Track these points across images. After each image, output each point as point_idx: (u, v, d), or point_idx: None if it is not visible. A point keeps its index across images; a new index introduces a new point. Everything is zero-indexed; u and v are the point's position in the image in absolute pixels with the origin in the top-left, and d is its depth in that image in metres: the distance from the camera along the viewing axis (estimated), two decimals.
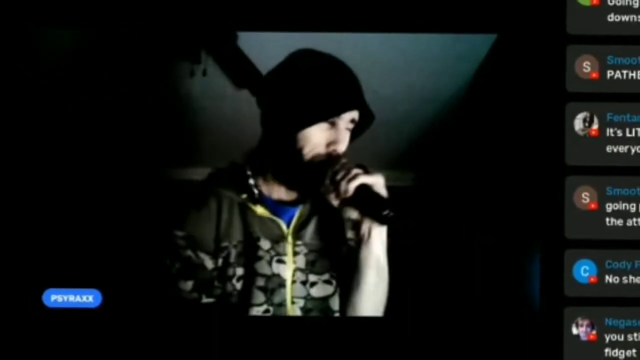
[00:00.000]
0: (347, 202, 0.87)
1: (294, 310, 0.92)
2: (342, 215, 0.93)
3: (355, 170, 0.88)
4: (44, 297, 1.10)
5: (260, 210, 0.93)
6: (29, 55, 1.82)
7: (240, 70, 2.12)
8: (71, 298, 1.11)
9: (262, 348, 0.95)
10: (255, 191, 0.93)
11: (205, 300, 0.90)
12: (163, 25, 1.11)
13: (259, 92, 1.05)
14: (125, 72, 2.22)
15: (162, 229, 0.96)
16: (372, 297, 0.91)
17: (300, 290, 0.93)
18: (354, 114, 0.96)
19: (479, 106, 2.10)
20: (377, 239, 0.91)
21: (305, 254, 0.94)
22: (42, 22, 1.10)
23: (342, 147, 0.92)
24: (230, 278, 0.89)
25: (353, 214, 0.91)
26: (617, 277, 1.03)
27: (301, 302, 0.93)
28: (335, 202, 0.89)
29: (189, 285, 0.90)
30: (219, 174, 0.99)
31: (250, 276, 0.89)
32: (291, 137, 0.90)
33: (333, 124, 0.92)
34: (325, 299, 0.95)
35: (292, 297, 0.92)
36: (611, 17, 1.05)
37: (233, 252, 0.90)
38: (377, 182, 0.89)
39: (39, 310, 1.08)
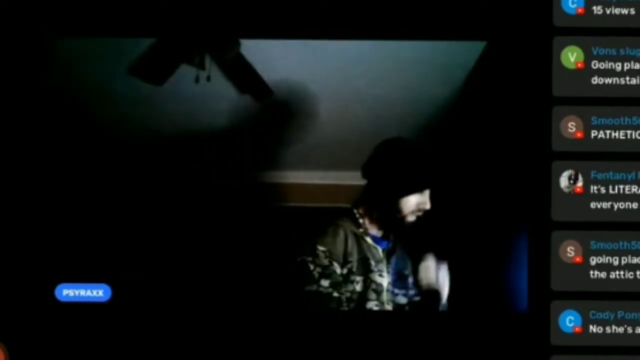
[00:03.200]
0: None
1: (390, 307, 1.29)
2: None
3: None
4: (56, 292, 1.14)
5: (369, 240, 1.32)
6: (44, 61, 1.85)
7: (243, 76, 2.15)
8: (82, 292, 1.15)
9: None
10: (365, 228, 1.33)
11: (335, 294, 1.22)
12: (170, 32, 1.15)
13: (366, 170, 1.39)
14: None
15: (306, 245, 1.26)
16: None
17: (391, 296, 1.30)
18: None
19: (470, 114, 2.13)
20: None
21: (394, 273, 1.33)
22: (55, 32, 1.14)
23: (428, 205, 1.31)
24: (352, 282, 1.24)
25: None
26: (601, 327, 1.06)
27: (391, 305, 1.30)
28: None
29: (326, 283, 1.22)
30: (340, 212, 1.37)
31: (366, 282, 1.26)
32: (396, 201, 1.30)
33: (422, 192, 1.31)
34: (402, 305, 1.31)
35: (387, 300, 1.29)
36: (595, 80, 1.08)
37: (355, 265, 1.26)
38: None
39: (52, 303, 1.13)
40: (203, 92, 2.38)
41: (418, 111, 2.54)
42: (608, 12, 1.09)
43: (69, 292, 1.15)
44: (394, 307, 1.29)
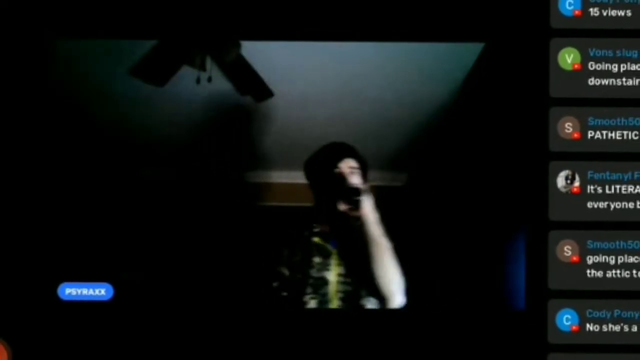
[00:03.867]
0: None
1: (336, 297, 1.34)
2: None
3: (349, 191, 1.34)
4: (59, 291, 1.15)
5: (316, 239, 1.39)
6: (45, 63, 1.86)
7: (244, 77, 2.16)
8: (84, 291, 1.16)
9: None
10: (315, 229, 1.41)
11: (284, 293, 1.31)
12: (171, 34, 1.16)
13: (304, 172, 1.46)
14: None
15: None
16: (380, 246, 1.29)
17: (341, 286, 1.34)
18: (349, 162, 1.38)
19: (468, 114, 2.13)
20: (371, 222, 1.29)
21: (343, 264, 1.37)
22: (56, 33, 1.14)
23: (351, 181, 1.34)
24: (295, 280, 1.33)
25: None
26: (598, 326, 1.07)
27: (341, 295, 1.34)
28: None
29: (276, 283, 1.34)
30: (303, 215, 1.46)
31: (305, 279, 1.33)
32: (317, 190, 1.42)
33: (340, 173, 1.35)
34: (357, 290, 1.34)
35: (336, 291, 1.34)
36: (592, 81, 1.08)
37: (297, 266, 1.33)
38: (362, 187, 1.33)
39: (54, 302, 1.13)
40: (204, 93, 2.39)
41: (417, 112, 2.55)
42: (604, 13, 1.09)
43: (71, 291, 1.15)
44: (343, 297, 1.33)
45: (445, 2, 1.12)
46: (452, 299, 1.19)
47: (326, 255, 1.38)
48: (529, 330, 1.08)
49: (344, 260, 1.37)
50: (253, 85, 2.20)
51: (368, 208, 1.28)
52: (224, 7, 1.12)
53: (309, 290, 1.33)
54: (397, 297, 1.27)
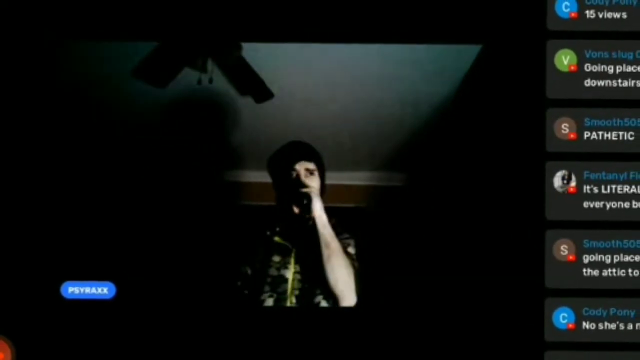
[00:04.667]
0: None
1: (292, 295, 1.35)
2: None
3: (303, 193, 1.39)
4: (62, 289, 1.15)
5: (276, 238, 1.42)
6: (49, 65, 1.87)
7: (244, 78, 2.16)
8: (87, 290, 1.16)
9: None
10: (276, 227, 1.44)
11: (245, 292, 1.34)
12: (173, 36, 1.17)
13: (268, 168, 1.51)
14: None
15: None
16: (329, 246, 1.33)
17: (297, 284, 1.36)
18: (306, 163, 1.44)
19: (466, 115, 2.14)
20: (322, 224, 1.34)
21: (300, 264, 1.39)
22: (60, 35, 1.15)
23: (307, 182, 1.40)
24: (255, 279, 1.36)
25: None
26: (594, 324, 1.07)
27: (297, 292, 1.35)
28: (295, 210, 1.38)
29: (239, 282, 1.37)
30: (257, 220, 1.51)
31: (263, 278, 1.35)
32: (280, 191, 1.45)
33: (297, 175, 1.42)
34: (312, 288, 1.35)
35: (292, 289, 1.35)
36: (588, 82, 1.09)
37: (258, 265, 1.36)
38: (312, 190, 1.39)
39: (57, 301, 1.14)
40: (205, 94, 2.40)
41: (415, 113, 2.56)
42: (600, 16, 1.10)
43: (74, 290, 1.16)
44: (299, 295, 1.34)
45: (444, 5, 1.13)
46: (449, 297, 1.20)
47: (285, 254, 1.40)
48: (526, 328, 1.09)
49: (300, 259, 1.39)
50: (253, 86, 2.21)
51: (318, 211, 1.34)
52: (225, 10, 1.13)
53: (266, 288, 1.34)
54: (348, 297, 1.30)
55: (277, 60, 2.18)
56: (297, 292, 1.35)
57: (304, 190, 1.36)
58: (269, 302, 1.32)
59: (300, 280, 1.37)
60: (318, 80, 2.33)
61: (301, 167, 1.43)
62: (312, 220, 1.34)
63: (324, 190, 1.46)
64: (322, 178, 1.47)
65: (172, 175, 3.26)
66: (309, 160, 1.45)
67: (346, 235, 1.44)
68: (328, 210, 1.37)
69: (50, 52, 1.83)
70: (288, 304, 1.32)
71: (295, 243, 1.41)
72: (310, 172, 1.43)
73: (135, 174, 3.16)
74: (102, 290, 1.17)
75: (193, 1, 1.14)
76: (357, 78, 2.30)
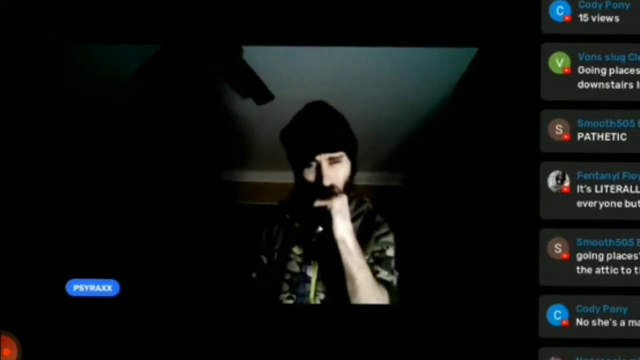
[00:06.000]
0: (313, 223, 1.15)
1: (315, 300, 1.15)
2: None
3: (320, 198, 1.10)
4: (67, 287, 1.16)
5: (297, 225, 1.19)
6: (51, 65, 1.87)
7: (245, 81, 2.18)
8: (92, 287, 1.17)
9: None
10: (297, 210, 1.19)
11: (262, 285, 1.14)
12: (176, 40, 1.18)
13: (281, 139, 1.22)
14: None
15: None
16: (355, 281, 1.08)
17: (322, 285, 1.16)
18: (330, 154, 1.14)
19: (462, 116, 2.15)
20: (343, 250, 1.09)
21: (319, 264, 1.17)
22: (62, 37, 1.16)
23: (326, 181, 1.12)
24: (273, 272, 1.17)
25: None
26: (587, 321, 1.08)
27: (321, 295, 1.15)
28: (319, 230, 1.13)
29: (254, 274, 1.17)
30: (277, 207, 1.26)
31: (281, 272, 1.16)
32: (299, 178, 1.16)
33: (318, 165, 1.13)
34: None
35: (316, 291, 1.15)
36: (581, 84, 1.10)
37: (276, 254, 1.16)
38: (329, 204, 1.09)
39: (63, 298, 1.15)
40: (206, 95, 2.41)
41: (413, 114, 2.57)
42: (594, 19, 1.11)
43: (79, 287, 1.17)
44: (324, 299, 1.13)
45: (440, 8, 1.14)
46: (445, 295, 1.20)
47: (308, 245, 1.16)
48: (520, 325, 1.10)
49: (321, 261, 1.15)
50: (254, 88, 2.23)
51: (340, 232, 1.07)
52: (227, 14, 1.14)
53: (285, 287, 1.13)
54: None
55: (277, 63, 2.20)
56: (321, 295, 1.13)
57: (319, 204, 1.08)
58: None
59: (325, 280, 1.14)
60: (317, 82, 2.34)
61: (323, 157, 1.12)
62: (335, 243, 1.08)
63: (352, 180, 1.16)
64: (353, 162, 1.17)
65: (175, 175, 3.28)
66: (333, 151, 1.13)
67: (384, 230, 1.20)
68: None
69: (52, 54, 1.85)
70: None
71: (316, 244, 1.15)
72: (335, 160, 1.13)
73: (139, 173, 3.17)
74: (106, 287, 1.17)
75: (195, 5, 1.15)
76: (356, 80, 2.32)
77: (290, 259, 1.15)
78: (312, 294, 1.14)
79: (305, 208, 1.12)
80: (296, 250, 1.16)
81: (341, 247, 1.08)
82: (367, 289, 1.08)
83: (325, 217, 1.08)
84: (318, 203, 1.08)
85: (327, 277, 1.14)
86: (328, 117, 1.19)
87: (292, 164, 1.19)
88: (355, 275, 1.07)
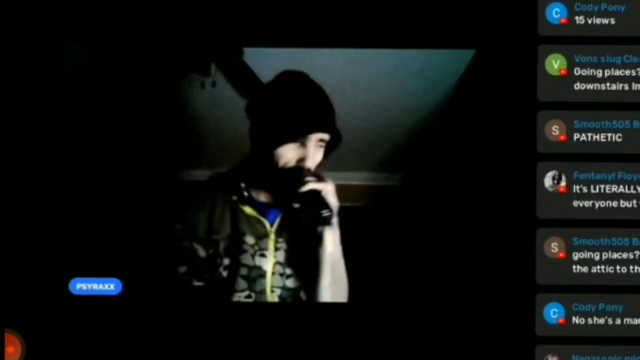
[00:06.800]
0: (302, 205, 0.98)
1: (272, 297, 1.01)
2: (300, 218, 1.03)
3: (308, 178, 0.96)
4: (70, 285, 1.16)
5: (248, 210, 1.03)
6: (50, 65, 1.88)
7: (246, 82, 2.18)
8: (94, 286, 1.17)
9: (242, 330, 1.06)
10: (245, 194, 1.02)
11: (195, 283, 0.98)
12: (177, 40, 1.18)
13: (247, 109, 1.08)
14: (142, 82, 2.29)
15: (164, 222, 1.05)
16: (330, 290, 1.01)
17: (278, 280, 1.03)
18: (322, 135, 1.01)
19: (460, 117, 2.16)
20: (329, 238, 1.00)
21: (285, 250, 1.04)
22: (63, 37, 1.16)
23: (310, 162, 0.99)
24: (217, 266, 0.99)
25: (304, 217, 1.00)
26: (583, 319, 1.09)
27: (278, 291, 1.03)
28: (295, 206, 0.99)
29: (182, 269, 0.99)
30: (217, 177, 1.08)
31: (235, 266, 0.99)
32: (269, 152, 0.99)
33: (303, 144, 0.99)
34: (297, 290, 1.06)
35: (272, 287, 1.02)
36: (577, 86, 1.10)
37: (222, 245, 0.99)
38: (325, 188, 0.97)
39: (66, 296, 1.15)
40: (208, 97, 2.42)
41: (410, 115, 2.58)
42: (590, 22, 1.11)
43: (82, 286, 1.17)
44: (281, 294, 1.02)
45: (438, 11, 1.15)
46: (443, 293, 1.21)
47: (260, 235, 1.01)
48: (517, 323, 1.11)
49: (287, 247, 1.02)
50: (255, 89, 2.23)
51: (330, 246, 0.99)
52: (228, 16, 1.15)
53: (242, 285, 0.99)
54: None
55: (277, 65, 2.20)
56: (277, 291, 1.02)
57: (312, 187, 0.95)
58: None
59: (282, 275, 1.02)
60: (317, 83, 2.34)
61: (314, 137, 0.99)
62: (316, 231, 0.98)
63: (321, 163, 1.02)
64: (326, 153, 1.04)
65: (177, 175, 3.28)
66: (327, 132, 1.01)
67: None
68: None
69: (52, 54, 1.85)
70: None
71: (276, 218, 1.03)
72: (321, 143, 1.01)
73: (141, 173, 3.17)
74: (108, 286, 1.18)
75: (196, 7, 1.16)
76: (355, 82, 2.32)
77: (245, 251, 0.99)
78: (268, 291, 1.02)
79: (276, 188, 1.00)
80: (248, 239, 1.01)
81: (329, 236, 0.99)
82: (344, 284, 1.02)
83: (317, 202, 0.95)
84: (311, 186, 0.94)
85: (292, 269, 1.03)
86: (322, 93, 1.07)
87: (266, 138, 1.00)
88: (336, 266, 1.00)
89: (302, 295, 1.06)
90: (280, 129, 0.98)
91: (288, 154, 0.99)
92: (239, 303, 1.03)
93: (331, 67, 2.24)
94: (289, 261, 1.04)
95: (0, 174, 1.16)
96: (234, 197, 1.02)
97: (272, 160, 0.98)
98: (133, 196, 3.13)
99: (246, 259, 1.00)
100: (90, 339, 1.11)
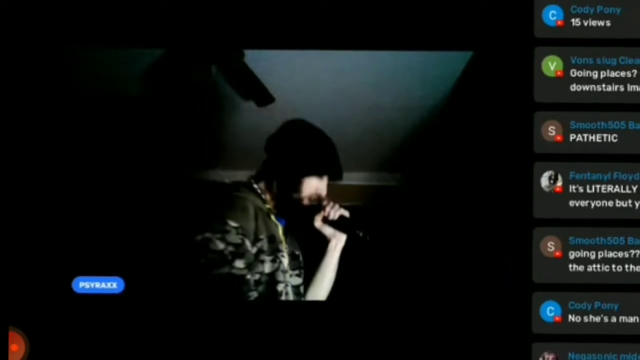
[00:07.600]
0: (329, 223, 1.25)
1: (288, 292, 1.20)
2: (319, 231, 1.27)
3: (338, 206, 1.26)
4: (73, 284, 1.18)
5: (273, 217, 1.22)
6: (61, 69, 1.88)
7: (247, 83, 2.19)
8: (97, 285, 1.18)
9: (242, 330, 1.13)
10: (269, 204, 1.23)
11: (248, 276, 1.09)
12: (179, 43, 1.19)
13: (267, 145, 1.28)
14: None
15: (213, 220, 1.11)
16: (325, 288, 1.27)
17: (287, 277, 1.21)
18: (331, 182, 1.27)
19: (458, 118, 2.16)
20: (339, 250, 1.27)
21: (288, 254, 1.23)
22: (66, 40, 1.17)
23: (324, 192, 1.26)
24: (262, 262, 1.14)
25: (327, 231, 1.26)
26: (579, 317, 1.10)
27: (288, 288, 1.21)
28: (317, 224, 1.26)
29: (241, 263, 1.09)
30: (241, 185, 1.24)
31: (275, 261, 1.16)
32: (296, 181, 1.22)
33: (321, 177, 1.25)
34: (297, 287, 1.25)
35: (286, 282, 1.20)
36: (573, 87, 1.11)
37: (265, 243, 1.15)
38: (346, 213, 1.26)
39: (69, 295, 1.16)
40: (208, 98, 2.42)
41: (409, 116, 2.58)
42: (585, 24, 1.12)
43: (85, 285, 1.18)
44: (288, 290, 1.20)
45: (436, 13, 1.16)
46: (441, 292, 1.21)
47: (280, 238, 1.22)
48: (514, 321, 1.11)
49: (290, 249, 1.24)
50: (255, 91, 2.24)
51: (335, 258, 1.26)
52: (229, 19, 1.16)
53: (280, 277, 1.17)
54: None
55: (277, 66, 2.21)
56: (288, 288, 1.20)
57: (361, 234, 1.23)
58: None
59: (288, 273, 1.22)
60: (317, 85, 2.35)
61: (326, 182, 1.27)
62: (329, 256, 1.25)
63: None
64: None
65: (180, 174, 3.29)
66: (335, 180, 1.30)
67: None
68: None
69: (52, 54, 1.86)
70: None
71: (284, 233, 1.24)
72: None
73: (144, 172, 3.18)
74: (111, 285, 1.19)
75: (198, 10, 1.16)
76: (355, 83, 2.33)
77: (279, 250, 1.19)
78: (289, 284, 1.22)
79: (298, 209, 1.22)
80: (279, 240, 1.20)
81: (339, 245, 1.26)
82: (328, 288, 1.26)
83: (347, 224, 1.24)
84: (340, 212, 1.24)
85: (295, 269, 1.25)
86: (328, 138, 1.30)
87: (291, 171, 1.24)
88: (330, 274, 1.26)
89: (301, 290, 1.25)
90: (312, 166, 1.23)
91: (311, 184, 1.23)
92: (244, 302, 1.10)
93: (332, 68, 2.25)
94: (292, 262, 1.24)
95: (5, 174, 1.16)
96: (267, 206, 1.21)
97: (296, 188, 1.22)
98: (135, 196, 3.13)
99: (281, 256, 1.17)
100: (93, 337, 1.11)
